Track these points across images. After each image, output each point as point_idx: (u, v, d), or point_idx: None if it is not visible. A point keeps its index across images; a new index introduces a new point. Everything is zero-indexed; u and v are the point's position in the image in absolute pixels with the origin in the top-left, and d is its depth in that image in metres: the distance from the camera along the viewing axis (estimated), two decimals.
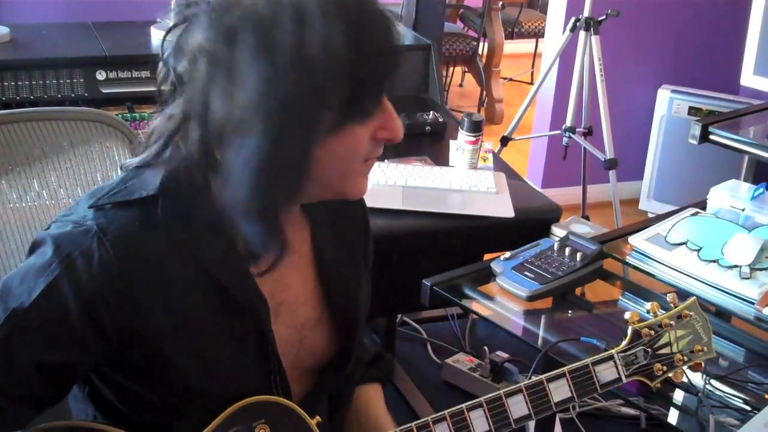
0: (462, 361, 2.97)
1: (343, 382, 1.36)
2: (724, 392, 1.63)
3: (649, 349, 1.33)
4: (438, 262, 2.01)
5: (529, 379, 1.28)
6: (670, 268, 1.98)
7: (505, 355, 2.92)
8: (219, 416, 1.14)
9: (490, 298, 1.96)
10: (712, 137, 2.35)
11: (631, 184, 4.38)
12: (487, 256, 2.16)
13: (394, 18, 1.07)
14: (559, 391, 1.26)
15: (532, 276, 1.92)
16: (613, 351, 1.31)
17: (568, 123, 3.50)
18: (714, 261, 1.94)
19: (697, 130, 2.34)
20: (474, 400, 1.21)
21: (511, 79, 6.36)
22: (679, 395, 1.65)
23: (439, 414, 1.20)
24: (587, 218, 3.67)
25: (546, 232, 2.19)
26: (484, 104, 5.70)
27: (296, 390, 1.26)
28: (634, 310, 1.36)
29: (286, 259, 1.21)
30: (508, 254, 2.00)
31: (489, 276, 1.98)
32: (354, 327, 1.31)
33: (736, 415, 1.58)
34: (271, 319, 1.19)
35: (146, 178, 1.11)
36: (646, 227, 2.12)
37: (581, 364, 1.29)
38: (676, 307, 1.37)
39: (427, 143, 2.54)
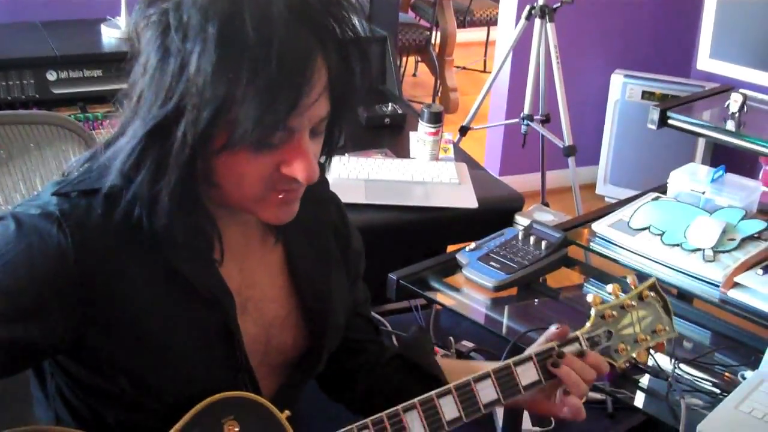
0: None
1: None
2: (693, 376, 1.64)
3: (612, 330, 1.33)
4: (403, 255, 2.00)
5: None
6: (634, 253, 1.99)
7: (471, 345, 2.91)
8: (187, 413, 1.11)
9: (456, 289, 1.95)
10: (670, 122, 2.37)
11: (587, 169, 4.40)
12: (451, 247, 2.16)
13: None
14: (527, 374, 1.26)
15: (498, 266, 1.92)
16: (578, 332, 1.32)
17: (526, 111, 3.50)
18: (677, 245, 1.95)
19: (655, 114, 2.35)
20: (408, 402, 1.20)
21: (464, 68, 6.36)
22: (647, 380, 1.65)
23: (377, 416, 1.18)
24: (547, 205, 3.69)
25: (509, 222, 2.19)
26: (439, 94, 5.70)
27: (265, 387, 1.25)
28: (596, 293, 1.36)
29: (253, 255, 1.22)
30: (473, 245, 2.00)
31: (455, 267, 1.98)
32: (323, 327, 1.29)
33: (706, 398, 1.59)
34: (237, 315, 1.18)
35: (111, 168, 1.09)
36: (609, 213, 2.13)
37: (547, 347, 1.29)
38: (636, 288, 1.37)
39: (387, 135, 2.53)
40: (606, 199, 4.28)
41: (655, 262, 1.95)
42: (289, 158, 1.05)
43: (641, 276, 1.49)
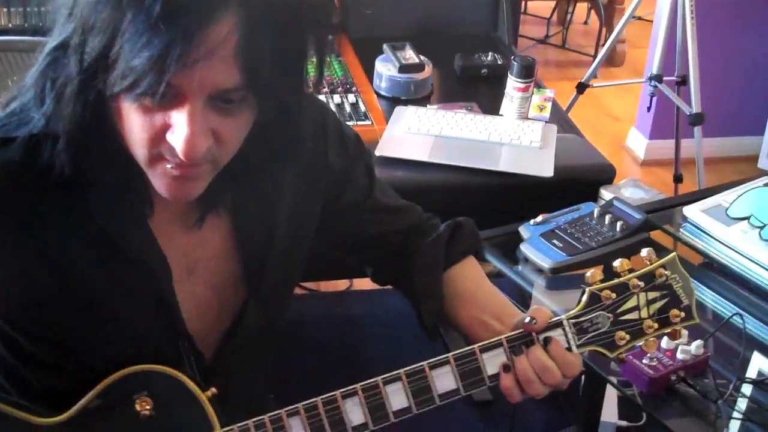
0: None
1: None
2: (754, 400, 1.40)
3: (611, 315, 1.11)
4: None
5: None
6: (725, 245, 1.72)
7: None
8: (96, 387, 1.04)
9: (514, 266, 1.76)
10: None
11: (749, 140, 3.99)
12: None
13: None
14: (495, 362, 1.09)
15: (561, 245, 1.71)
16: (562, 317, 1.11)
17: (654, 70, 3.14)
18: None
19: None
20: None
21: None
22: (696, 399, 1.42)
23: (311, 401, 1.06)
24: (680, 177, 3.35)
25: (594, 195, 1.96)
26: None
27: (213, 355, 1.16)
28: (597, 266, 1.12)
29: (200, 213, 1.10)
30: (540, 218, 1.79)
31: (519, 241, 1.78)
32: (267, 291, 1.17)
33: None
34: (183, 278, 1.09)
35: (33, 114, 1.00)
36: (710, 195, 1.86)
37: (523, 333, 1.10)
38: (650, 264, 1.13)
39: (483, 87, 2.32)
40: None
41: (747, 257, 1.68)
42: (172, 124, 0.91)
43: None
